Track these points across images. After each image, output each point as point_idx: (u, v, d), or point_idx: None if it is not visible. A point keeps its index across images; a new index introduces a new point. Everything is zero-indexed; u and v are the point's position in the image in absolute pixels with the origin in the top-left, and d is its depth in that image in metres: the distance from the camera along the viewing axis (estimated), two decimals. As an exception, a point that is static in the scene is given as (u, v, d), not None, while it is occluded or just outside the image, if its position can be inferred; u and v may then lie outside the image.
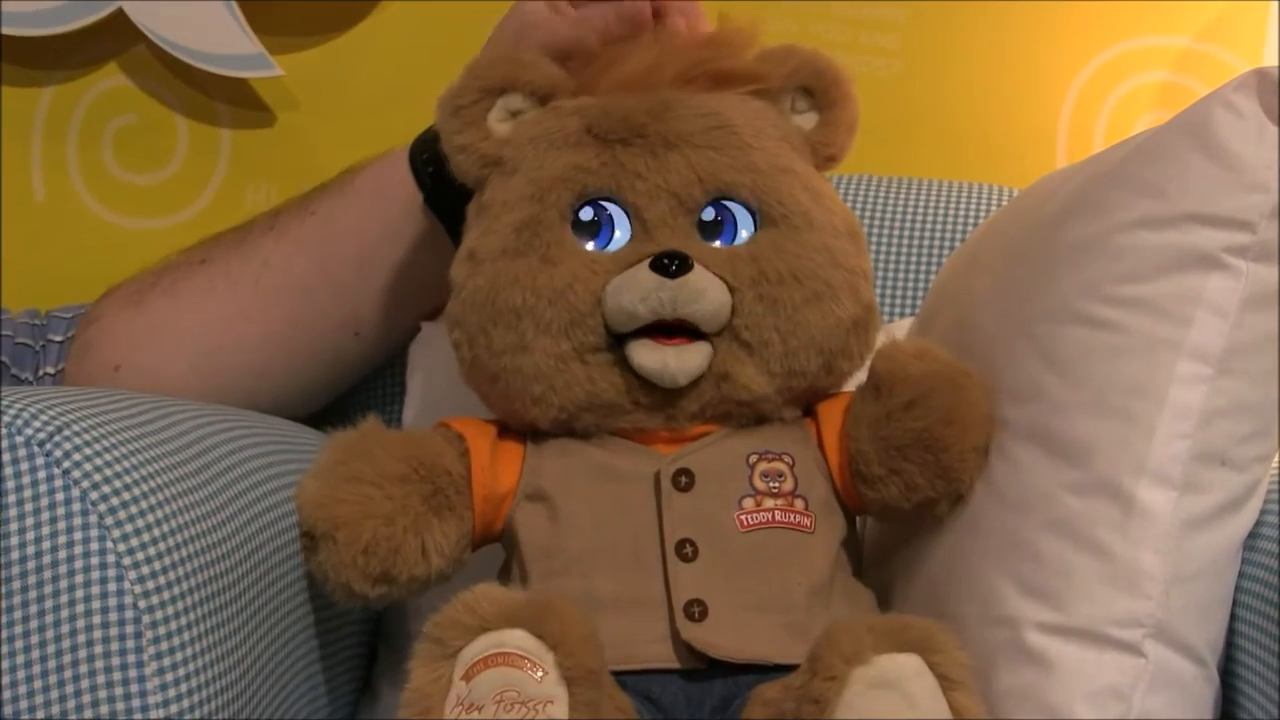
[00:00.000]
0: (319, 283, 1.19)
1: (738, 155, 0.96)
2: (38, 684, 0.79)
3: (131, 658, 0.80)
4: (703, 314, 0.91)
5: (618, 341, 0.93)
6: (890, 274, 1.36)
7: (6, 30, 1.64)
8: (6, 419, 0.81)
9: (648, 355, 0.92)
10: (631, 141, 0.95)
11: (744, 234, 0.95)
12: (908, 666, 0.78)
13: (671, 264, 0.91)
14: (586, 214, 0.95)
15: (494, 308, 0.94)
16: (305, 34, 1.70)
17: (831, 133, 1.01)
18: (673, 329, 0.92)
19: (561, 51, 1.05)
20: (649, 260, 0.92)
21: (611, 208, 0.95)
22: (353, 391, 1.35)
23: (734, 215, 0.95)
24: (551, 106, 0.99)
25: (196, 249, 1.24)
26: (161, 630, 0.81)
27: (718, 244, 0.95)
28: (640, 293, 0.91)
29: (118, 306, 1.21)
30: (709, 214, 0.95)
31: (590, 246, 0.95)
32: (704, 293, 0.91)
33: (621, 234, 0.95)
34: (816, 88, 1.00)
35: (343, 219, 1.20)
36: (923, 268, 1.36)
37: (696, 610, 0.88)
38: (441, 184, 1.14)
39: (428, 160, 1.16)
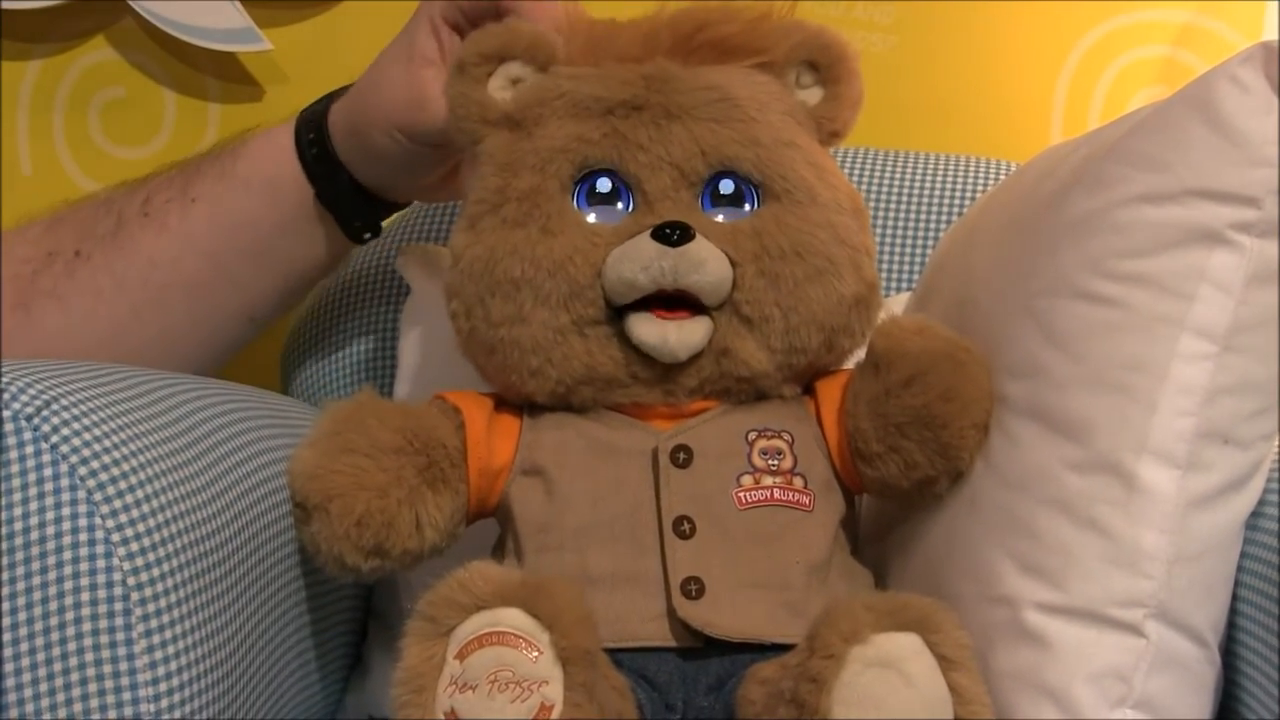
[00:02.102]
0: (213, 277, 1.17)
1: (741, 128, 0.95)
2: (25, 660, 0.78)
3: (120, 635, 0.80)
4: (704, 285, 0.91)
5: (617, 315, 0.93)
6: (887, 248, 1.36)
7: (2, 5, 1.64)
8: (-5, 392, 0.80)
9: (648, 329, 0.92)
10: (633, 113, 0.95)
11: (746, 208, 0.95)
12: (906, 646, 0.78)
13: (673, 233, 0.90)
14: (587, 185, 0.95)
15: (492, 278, 0.94)
16: (294, 8, 1.69)
17: (836, 108, 1.00)
18: (673, 301, 0.92)
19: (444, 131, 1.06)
20: (650, 230, 0.91)
21: (613, 179, 0.95)
22: (343, 362, 1.35)
23: (736, 189, 0.95)
24: (551, 74, 0.98)
25: (66, 232, 1.19)
26: (150, 607, 0.81)
27: (720, 217, 0.94)
28: (642, 261, 0.90)
29: (6, 308, 1.17)
30: (711, 186, 0.95)
31: (591, 218, 0.95)
32: (705, 263, 0.91)
33: (623, 206, 0.95)
34: (821, 63, 1.00)
35: (231, 211, 1.17)
36: (919, 242, 1.36)
37: (693, 588, 0.88)
38: (328, 167, 1.15)
39: (313, 142, 1.15)
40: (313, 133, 1.15)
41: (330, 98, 1.18)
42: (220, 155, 1.19)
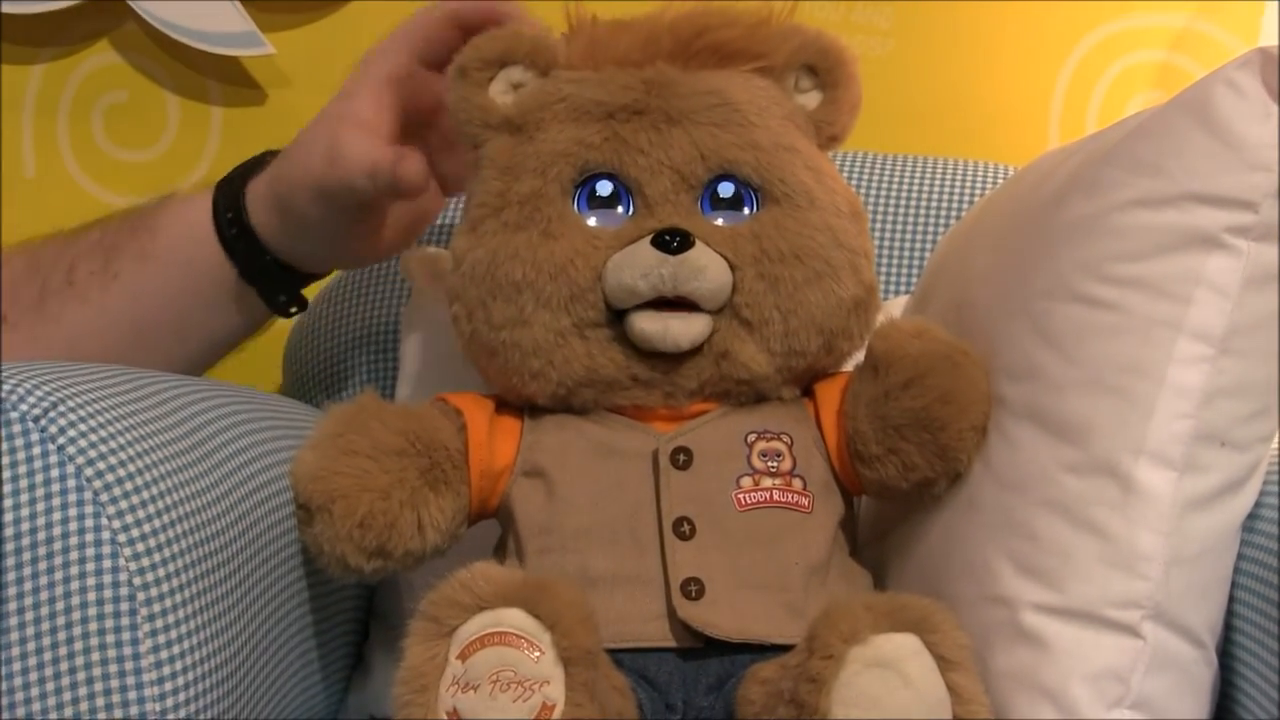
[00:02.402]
0: (135, 350, 1.14)
1: (740, 132, 0.95)
2: (32, 659, 0.78)
3: (126, 634, 0.80)
4: (703, 291, 0.91)
5: (618, 317, 0.93)
6: (885, 251, 1.36)
7: (5, 9, 1.64)
8: (2, 393, 0.81)
9: (649, 321, 0.92)
10: (633, 117, 0.95)
11: (746, 212, 0.95)
12: (905, 646, 0.78)
13: (673, 240, 0.90)
14: (588, 189, 0.95)
15: (494, 281, 0.94)
16: (297, 12, 1.70)
17: (835, 112, 1.01)
18: (673, 305, 0.92)
19: (374, 192, 1.07)
20: (650, 236, 0.92)
21: (613, 183, 0.95)
22: (345, 365, 1.35)
23: (736, 192, 0.95)
24: (552, 78, 0.99)
25: None
26: (156, 606, 0.81)
27: (720, 221, 0.95)
28: (641, 269, 0.91)
29: None
30: (711, 190, 0.95)
31: (592, 221, 0.95)
32: (705, 270, 0.91)
33: (623, 209, 0.95)
34: (821, 67, 1.00)
35: (151, 291, 1.15)
36: (917, 245, 1.36)
37: (693, 589, 0.88)
38: (248, 245, 1.13)
39: (231, 221, 1.14)
40: (230, 210, 1.14)
41: (245, 171, 1.16)
42: (140, 228, 1.16)
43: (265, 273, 1.15)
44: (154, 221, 1.16)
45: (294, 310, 1.20)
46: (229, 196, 1.14)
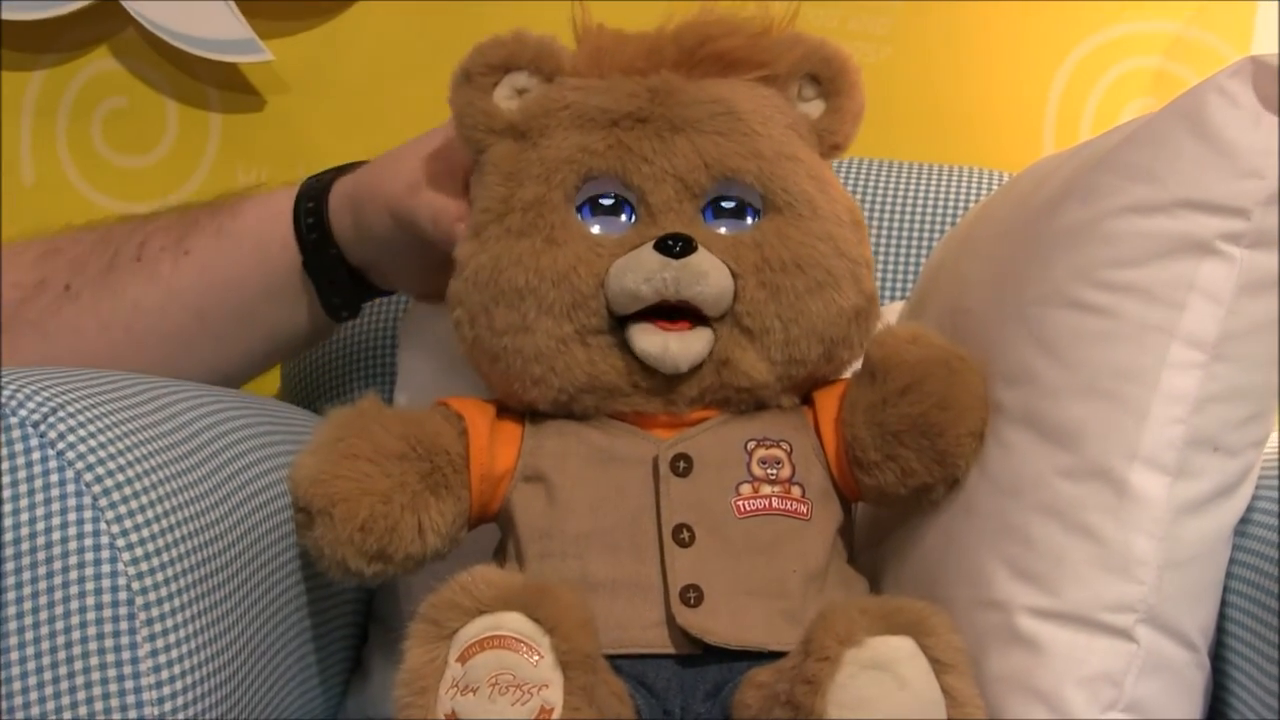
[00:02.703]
0: (195, 332, 1.16)
1: (744, 141, 0.96)
2: (32, 664, 0.79)
3: (125, 639, 0.80)
4: (706, 296, 0.92)
5: (619, 325, 0.94)
6: (881, 257, 1.37)
7: (5, 15, 1.64)
8: (2, 399, 0.81)
9: (649, 340, 0.92)
10: (637, 125, 0.95)
11: (748, 220, 0.96)
12: (900, 649, 0.78)
13: (676, 245, 0.91)
14: (591, 196, 0.96)
15: (497, 287, 0.94)
16: (295, 18, 1.70)
17: (838, 121, 1.01)
18: (674, 313, 0.92)
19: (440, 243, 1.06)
20: (653, 241, 0.92)
21: (617, 190, 0.95)
22: (343, 369, 1.35)
23: (738, 201, 0.96)
24: (557, 84, 0.99)
25: (60, 263, 1.18)
26: (155, 611, 0.82)
27: (722, 229, 0.95)
28: (644, 273, 0.91)
29: None
30: (714, 198, 0.95)
31: (595, 229, 0.95)
32: (707, 274, 0.91)
33: (626, 217, 0.95)
34: (824, 75, 1.00)
35: (222, 268, 1.16)
36: (913, 251, 1.37)
37: (692, 595, 0.88)
38: (320, 237, 1.14)
39: (310, 211, 1.15)
40: (312, 201, 1.14)
41: (339, 170, 1.16)
42: (220, 210, 1.18)
43: (329, 270, 1.15)
44: (235, 204, 1.18)
45: (345, 315, 1.20)
46: (314, 190, 1.15)
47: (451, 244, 1.01)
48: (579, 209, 0.96)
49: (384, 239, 1.11)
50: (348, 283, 1.16)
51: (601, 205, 0.95)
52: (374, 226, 1.11)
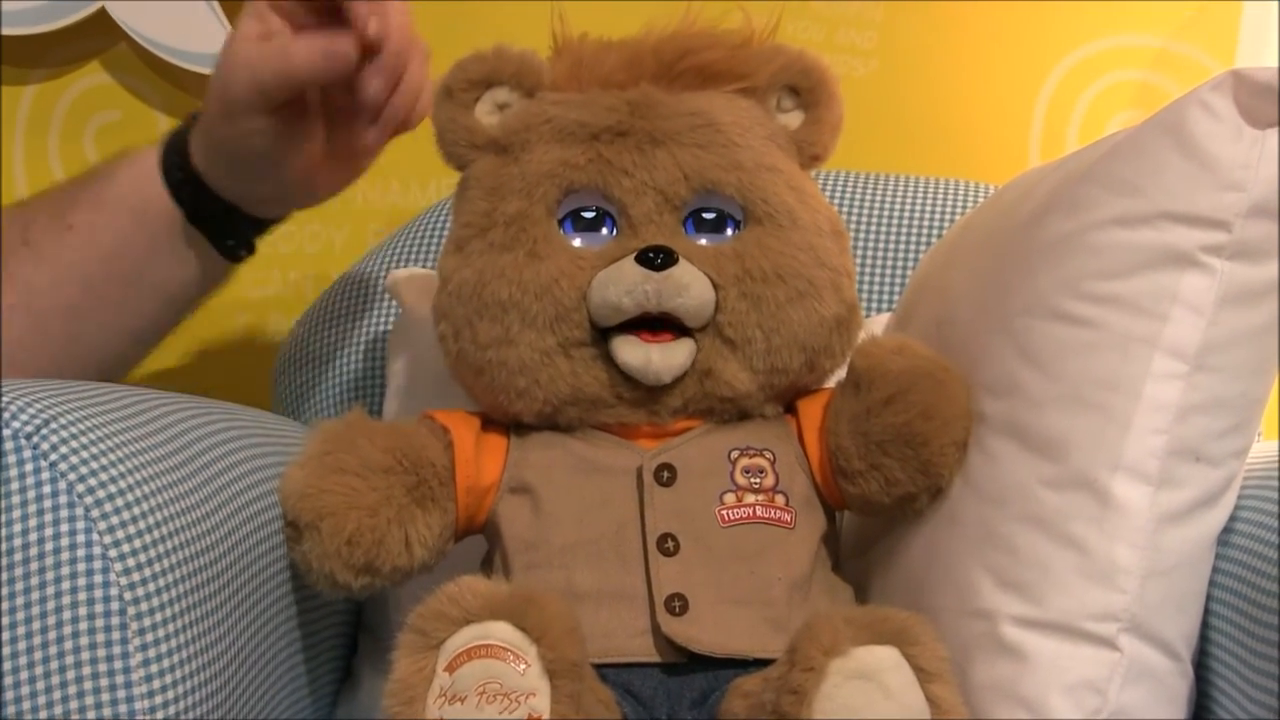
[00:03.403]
0: (91, 303, 1.15)
1: (723, 153, 0.96)
2: (24, 674, 0.79)
3: (117, 649, 0.80)
4: (687, 308, 0.92)
5: (602, 336, 0.94)
6: (867, 270, 1.37)
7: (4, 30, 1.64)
8: (-6, 411, 0.81)
9: (631, 352, 0.93)
10: (617, 138, 0.96)
11: (729, 231, 0.96)
12: (885, 659, 0.79)
13: (657, 258, 0.91)
14: (573, 210, 0.96)
15: (480, 301, 0.95)
16: (286, 32, 1.70)
17: (817, 132, 1.02)
18: (657, 324, 0.93)
19: (268, 91, 1.06)
20: (634, 254, 0.92)
21: (598, 204, 0.96)
22: (333, 382, 1.35)
23: (719, 212, 0.96)
24: (537, 100, 1.00)
25: None
26: (146, 621, 0.82)
27: (703, 241, 0.96)
28: (625, 285, 0.92)
29: None
30: (694, 210, 0.96)
31: (577, 242, 0.96)
32: (688, 287, 0.92)
33: (607, 229, 0.96)
34: (803, 87, 1.01)
35: (105, 237, 1.15)
36: (899, 263, 1.37)
37: (677, 604, 0.89)
38: (194, 188, 1.14)
39: (177, 165, 1.14)
40: (177, 153, 1.14)
41: (193, 118, 1.16)
42: (95, 179, 1.18)
43: (213, 216, 1.15)
44: (108, 171, 1.17)
45: (243, 254, 1.20)
46: (174, 142, 1.15)
47: (296, 71, 1.04)
48: (561, 222, 0.96)
49: (254, 152, 1.11)
50: (235, 223, 1.17)
51: (583, 218, 0.96)
52: (234, 147, 1.11)
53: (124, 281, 1.16)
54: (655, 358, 0.93)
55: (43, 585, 0.79)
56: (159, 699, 0.82)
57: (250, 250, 1.21)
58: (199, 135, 1.13)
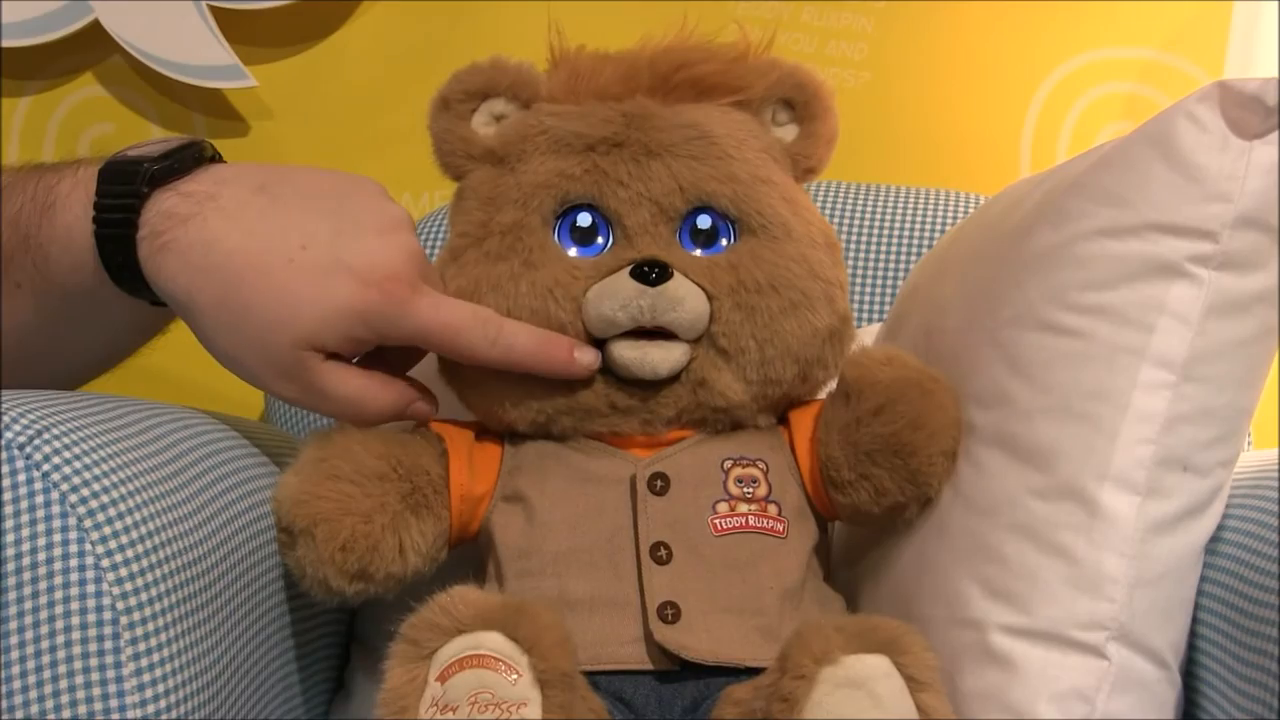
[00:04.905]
0: (37, 354, 1.02)
1: (718, 165, 0.97)
2: (16, 684, 0.79)
3: (110, 659, 0.80)
4: (681, 322, 0.93)
5: (597, 346, 0.95)
6: (859, 280, 1.37)
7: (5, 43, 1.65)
8: (-13, 422, 0.81)
9: (629, 349, 0.93)
10: (613, 150, 0.97)
11: (723, 243, 0.97)
12: (876, 667, 0.79)
13: (651, 272, 0.92)
14: (568, 220, 0.97)
15: None
16: (279, 45, 1.71)
17: (812, 145, 1.02)
18: (651, 335, 0.93)
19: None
20: (629, 268, 0.93)
21: (593, 214, 0.97)
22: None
23: (713, 224, 0.97)
24: (534, 111, 1.00)
25: None
26: (139, 631, 0.82)
27: (698, 252, 0.96)
28: (620, 300, 0.92)
29: None
30: (689, 222, 0.96)
31: (572, 252, 0.96)
32: (683, 300, 0.92)
33: (603, 240, 0.96)
34: (798, 100, 1.02)
35: (49, 306, 0.99)
36: (889, 274, 1.37)
37: (669, 612, 0.89)
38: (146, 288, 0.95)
39: (120, 266, 0.94)
40: (126, 266, 0.94)
41: (124, 206, 0.94)
42: (29, 244, 0.97)
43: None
44: (45, 237, 0.97)
45: None
46: (118, 250, 0.94)
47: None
48: (556, 233, 0.97)
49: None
50: None
51: (578, 229, 0.96)
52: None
53: (53, 354, 1.04)
54: (653, 352, 0.93)
55: (35, 595, 0.79)
56: (151, 709, 0.82)
57: None
58: (181, 276, 0.93)
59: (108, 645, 0.81)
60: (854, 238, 1.39)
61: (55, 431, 0.83)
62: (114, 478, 0.84)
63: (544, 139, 0.98)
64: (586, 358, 0.94)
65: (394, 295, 0.92)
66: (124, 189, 0.94)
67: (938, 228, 1.39)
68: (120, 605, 0.81)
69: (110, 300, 0.97)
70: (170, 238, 0.93)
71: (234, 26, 1.66)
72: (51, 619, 0.80)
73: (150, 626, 0.82)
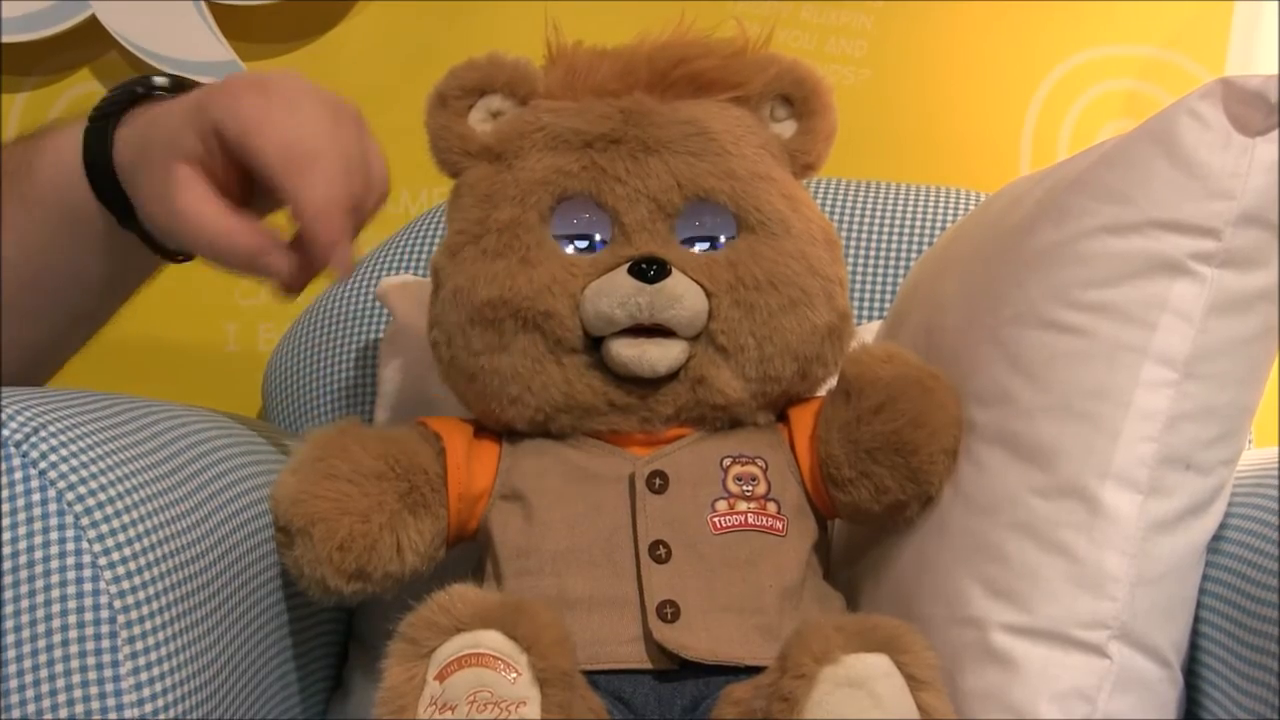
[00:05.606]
0: (22, 299, 1.06)
1: (717, 161, 0.97)
2: (13, 682, 0.79)
3: (106, 657, 0.80)
4: (680, 319, 0.92)
5: (595, 344, 0.94)
6: (859, 277, 1.37)
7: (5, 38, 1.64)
8: (-16, 419, 0.81)
9: (626, 347, 0.93)
10: (611, 146, 0.96)
11: (722, 239, 0.96)
12: (876, 666, 0.79)
13: (650, 269, 0.92)
14: (566, 217, 0.96)
15: (473, 308, 0.95)
16: (276, 41, 1.70)
17: (810, 141, 1.02)
18: (649, 332, 0.93)
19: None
20: (627, 265, 0.93)
21: (591, 211, 0.96)
22: (323, 390, 1.35)
23: (712, 221, 0.96)
24: (531, 107, 1.00)
25: None
26: (136, 629, 0.81)
27: (696, 249, 0.96)
28: (618, 298, 0.92)
29: None
30: (687, 219, 0.96)
31: (570, 249, 0.96)
32: (681, 298, 0.92)
33: (600, 237, 0.96)
34: (796, 96, 1.02)
35: (35, 237, 1.05)
36: (889, 271, 1.37)
37: (669, 611, 0.89)
38: (124, 202, 1.02)
39: (104, 178, 1.02)
40: (100, 164, 1.01)
41: (118, 105, 1.03)
42: (18, 172, 1.05)
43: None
44: (32, 163, 1.06)
45: (181, 258, 1.08)
46: (98, 142, 1.02)
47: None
48: (554, 230, 0.96)
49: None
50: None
51: (576, 226, 0.96)
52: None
53: (55, 278, 1.08)
54: (651, 350, 0.93)
55: (32, 593, 0.79)
56: (148, 707, 0.82)
57: (190, 255, 1.08)
58: (128, 155, 1.01)
59: (105, 643, 0.80)
60: (854, 235, 1.39)
61: (52, 429, 0.83)
62: (111, 475, 0.84)
63: (541, 136, 0.98)
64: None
65: (231, 86, 0.98)
66: (117, 95, 1.04)
67: (938, 225, 1.39)
68: (117, 603, 0.81)
69: (97, 222, 1.03)
70: (134, 114, 1.02)
71: (231, 22, 1.66)
72: (48, 617, 0.79)
73: (148, 625, 0.82)
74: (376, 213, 1.03)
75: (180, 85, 1.05)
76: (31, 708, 0.79)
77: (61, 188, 1.04)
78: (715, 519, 0.93)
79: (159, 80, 1.06)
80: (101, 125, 1.03)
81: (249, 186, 1.00)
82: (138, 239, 1.05)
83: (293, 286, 0.98)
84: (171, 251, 1.07)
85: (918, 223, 1.39)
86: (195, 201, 0.96)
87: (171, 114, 0.99)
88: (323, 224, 0.94)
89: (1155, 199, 0.87)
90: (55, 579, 0.80)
